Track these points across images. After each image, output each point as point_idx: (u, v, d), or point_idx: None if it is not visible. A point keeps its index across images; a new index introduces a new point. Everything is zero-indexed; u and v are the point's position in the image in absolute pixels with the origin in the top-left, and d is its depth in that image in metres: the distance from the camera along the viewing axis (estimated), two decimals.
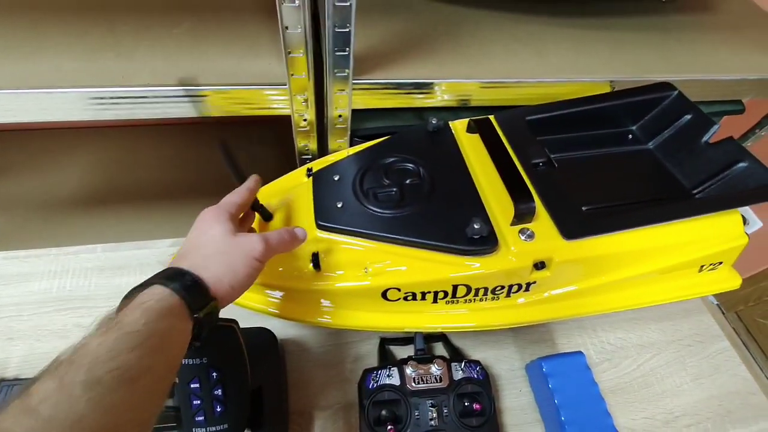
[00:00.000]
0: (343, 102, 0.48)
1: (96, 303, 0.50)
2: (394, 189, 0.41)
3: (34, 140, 0.88)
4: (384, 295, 0.39)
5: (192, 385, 0.32)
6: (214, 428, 0.33)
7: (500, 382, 0.49)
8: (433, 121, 0.46)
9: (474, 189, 0.41)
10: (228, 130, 0.90)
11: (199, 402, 0.33)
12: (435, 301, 0.40)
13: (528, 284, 0.40)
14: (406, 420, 0.41)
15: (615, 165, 0.50)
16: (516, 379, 0.49)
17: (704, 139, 0.46)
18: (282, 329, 0.49)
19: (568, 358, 0.46)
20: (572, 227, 0.38)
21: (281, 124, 0.53)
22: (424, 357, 0.45)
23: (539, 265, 0.38)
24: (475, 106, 0.55)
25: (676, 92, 0.50)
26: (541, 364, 0.46)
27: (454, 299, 0.40)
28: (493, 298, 0.40)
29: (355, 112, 0.53)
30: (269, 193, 0.45)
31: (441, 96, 0.52)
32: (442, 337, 0.51)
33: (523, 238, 0.38)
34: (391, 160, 0.44)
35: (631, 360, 0.52)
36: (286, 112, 0.48)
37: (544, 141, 0.49)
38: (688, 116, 0.48)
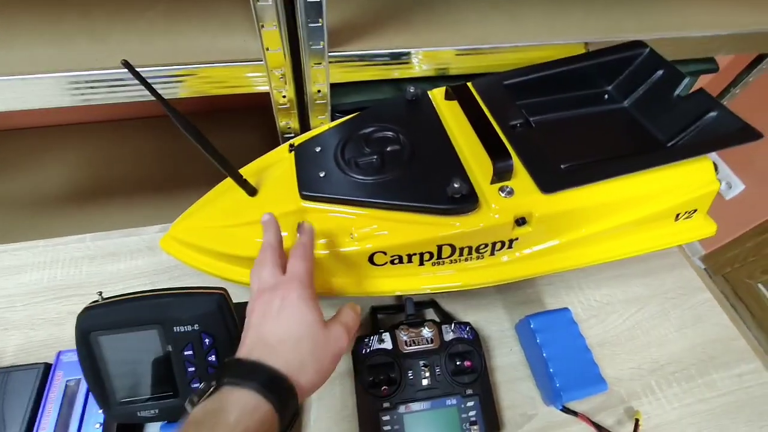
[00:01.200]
0: (320, 76, 0.49)
1: (88, 290, 0.51)
2: (375, 156, 0.42)
3: (22, 140, 0.88)
4: (371, 259, 0.40)
5: (186, 353, 0.33)
6: None
7: (491, 342, 0.50)
8: (411, 89, 0.47)
9: (453, 152, 0.42)
10: (211, 119, 0.90)
11: (193, 369, 0.33)
12: (421, 263, 0.41)
13: (511, 241, 0.41)
14: (400, 381, 0.42)
15: (592, 124, 0.51)
16: (506, 339, 0.51)
17: (676, 92, 0.47)
18: None
19: (554, 315, 0.48)
20: (550, 181, 0.39)
21: (263, 110, 0.53)
22: (415, 321, 0.46)
23: (520, 221, 0.39)
24: (454, 75, 0.55)
25: (647, 50, 0.50)
26: (529, 321, 0.47)
27: (440, 260, 0.41)
28: (478, 257, 0.41)
29: (334, 86, 0.53)
30: (253, 171, 0.45)
31: (419, 66, 0.53)
32: (432, 303, 0.52)
33: (503, 195, 0.39)
34: (371, 129, 0.44)
35: (617, 315, 0.54)
36: (265, 88, 0.48)
37: (523, 104, 0.51)
38: (660, 72, 0.49)
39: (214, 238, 0.43)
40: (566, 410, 0.43)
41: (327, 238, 0.40)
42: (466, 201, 0.38)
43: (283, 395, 0.26)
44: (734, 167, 1.24)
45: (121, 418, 0.36)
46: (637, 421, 0.43)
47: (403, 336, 0.44)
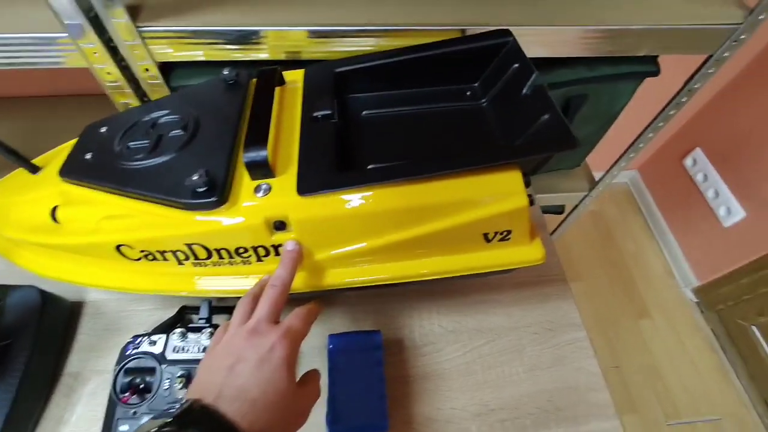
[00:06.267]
0: (141, 54, 0.45)
1: None
2: (147, 141, 0.38)
3: None
4: (120, 251, 0.36)
5: None
6: None
7: (302, 358, 0.45)
8: (226, 72, 0.42)
9: (231, 142, 0.37)
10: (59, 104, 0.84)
11: None
12: (180, 263, 0.37)
13: (275, 247, 0.36)
14: (150, 388, 0.38)
15: (437, 124, 0.44)
16: (317, 358, 0.45)
17: (524, 90, 0.39)
18: (84, 292, 0.48)
19: (360, 336, 0.42)
20: (310, 182, 0.33)
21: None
22: (198, 326, 0.42)
23: (278, 225, 0.34)
24: (308, 61, 0.50)
25: (511, 39, 0.43)
26: (330, 339, 0.42)
27: (200, 261, 0.37)
28: (243, 262, 0.37)
29: (175, 66, 0.50)
30: (53, 154, 0.43)
31: (266, 48, 0.48)
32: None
33: (258, 194, 0.34)
34: (165, 112, 0.41)
35: (459, 345, 0.47)
36: (83, 64, 0.46)
37: (358, 97, 0.45)
38: (516, 65, 0.41)
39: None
40: None
41: (76, 223, 0.37)
42: (207, 196, 0.33)
43: None
44: (736, 191, 1.08)
45: None
46: None
47: (176, 340, 0.41)
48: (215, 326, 0.42)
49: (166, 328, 0.43)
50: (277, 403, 0.27)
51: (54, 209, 0.37)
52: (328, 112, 0.39)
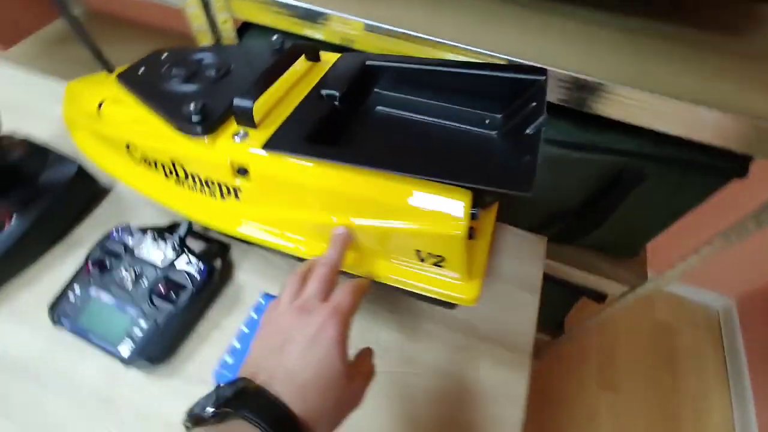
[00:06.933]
0: (222, 6, 0.53)
1: None
2: (184, 71, 0.44)
3: None
4: (129, 150, 0.43)
5: None
6: None
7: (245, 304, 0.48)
8: (273, 38, 0.47)
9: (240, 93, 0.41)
10: None
11: None
12: (167, 176, 0.42)
13: (235, 190, 0.39)
14: (110, 268, 0.44)
15: (441, 140, 0.43)
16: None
17: (528, 130, 0.37)
18: (114, 182, 0.57)
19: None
20: (276, 141, 0.36)
21: None
22: (168, 237, 0.47)
23: (241, 171, 0.37)
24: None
25: (543, 78, 0.40)
26: (264, 297, 0.44)
27: (179, 180, 0.42)
28: (210, 193, 0.41)
29: (250, 27, 0.57)
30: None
31: (326, 30, 0.52)
32: (210, 240, 0.52)
33: (236, 138, 0.37)
34: (212, 56, 0.47)
35: (384, 363, 0.45)
36: (181, 4, 0.55)
37: (381, 94, 0.46)
38: (534, 104, 0.39)
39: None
40: None
41: (108, 117, 0.44)
42: (195, 125, 0.37)
43: None
44: None
45: None
46: None
47: (147, 241, 0.46)
48: (186, 248, 0.46)
49: (153, 231, 0.49)
50: (329, 386, 0.26)
51: (101, 103, 0.45)
52: (335, 93, 0.41)
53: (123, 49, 0.85)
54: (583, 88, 0.47)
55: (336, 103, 0.41)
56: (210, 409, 0.24)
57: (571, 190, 0.60)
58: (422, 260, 0.35)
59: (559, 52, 0.48)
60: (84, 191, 0.54)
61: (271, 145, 0.36)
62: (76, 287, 0.44)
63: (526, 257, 0.56)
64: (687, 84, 0.45)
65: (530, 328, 0.49)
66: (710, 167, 0.52)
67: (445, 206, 0.32)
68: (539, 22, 0.51)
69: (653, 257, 0.79)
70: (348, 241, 0.34)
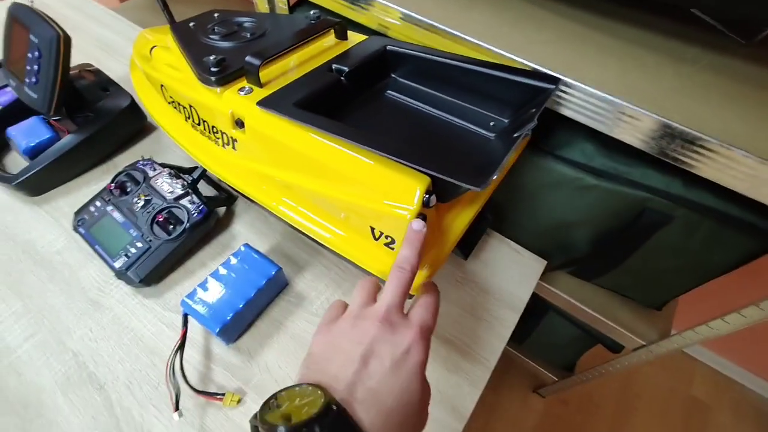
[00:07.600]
0: None
1: None
2: (225, 30, 0.48)
3: None
4: (162, 90, 0.48)
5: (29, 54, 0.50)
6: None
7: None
8: (311, 12, 0.50)
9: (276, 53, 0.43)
10: None
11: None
12: (187, 118, 0.47)
13: (233, 140, 0.42)
14: (128, 191, 0.50)
15: (441, 133, 0.43)
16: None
17: (516, 133, 0.36)
18: None
19: (263, 260, 0.46)
20: (270, 100, 0.38)
21: None
22: (181, 176, 0.52)
23: (239, 123, 0.40)
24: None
25: (552, 88, 0.39)
26: (245, 246, 0.47)
27: (195, 125, 0.46)
28: (215, 140, 0.44)
29: (304, 4, 0.61)
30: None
31: (367, 14, 0.54)
32: (228, 195, 0.56)
33: (241, 93, 0.40)
34: (254, 20, 0.51)
35: None
36: None
37: (399, 80, 0.47)
38: (533, 110, 0.37)
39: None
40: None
41: (154, 59, 0.50)
42: (211, 75, 0.41)
43: None
44: None
45: None
46: None
47: (164, 176, 0.51)
48: (195, 189, 0.51)
49: (172, 169, 0.55)
50: (409, 415, 0.25)
51: (153, 47, 0.51)
52: (344, 68, 0.43)
53: (197, 8, 0.96)
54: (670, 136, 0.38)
55: (342, 78, 0.42)
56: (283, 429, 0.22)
57: (583, 219, 0.56)
58: (376, 239, 0.36)
59: (603, 73, 0.44)
60: (132, 123, 0.61)
61: (263, 102, 0.38)
62: (98, 202, 0.50)
63: (519, 275, 0.54)
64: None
65: (500, 344, 0.47)
66: (751, 227, 0.46)
67: (399, 186, 0.32)
68: (573, 32, 0.48)
69: (684, 315, 0.70)
70: (424, 238, 0.30)
